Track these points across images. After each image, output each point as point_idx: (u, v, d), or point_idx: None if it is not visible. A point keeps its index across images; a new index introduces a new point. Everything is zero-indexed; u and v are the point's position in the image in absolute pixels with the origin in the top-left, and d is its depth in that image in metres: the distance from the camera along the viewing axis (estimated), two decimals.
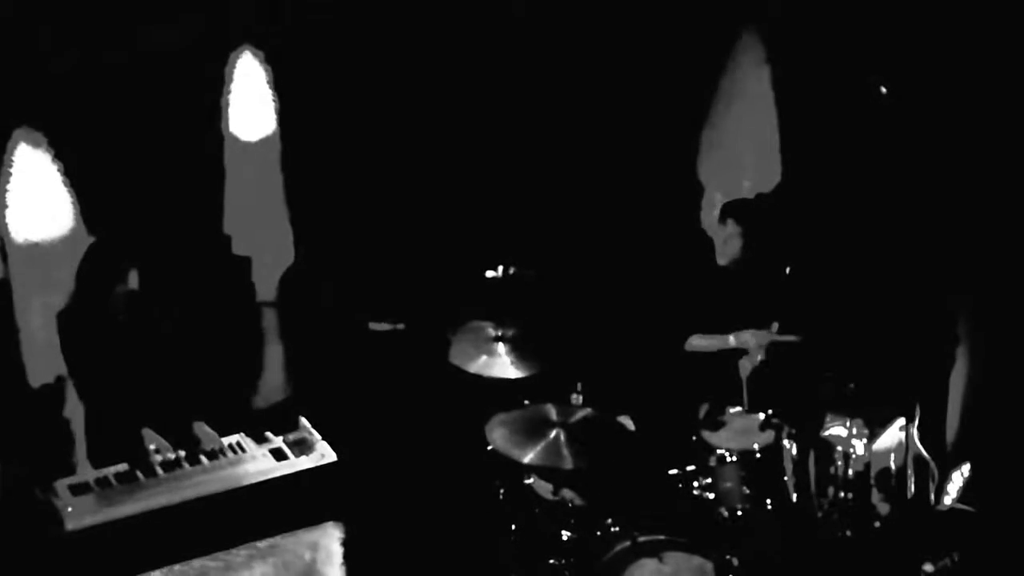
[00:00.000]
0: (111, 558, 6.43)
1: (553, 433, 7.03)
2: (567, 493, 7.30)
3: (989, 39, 7.89)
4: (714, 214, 8.14)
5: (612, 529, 7.20)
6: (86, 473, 6.71)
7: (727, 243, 7.83)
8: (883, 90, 8.07)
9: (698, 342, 7.83)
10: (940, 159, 8.13)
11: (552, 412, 7.17)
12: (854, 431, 7.59)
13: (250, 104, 8.06)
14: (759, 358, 7.73)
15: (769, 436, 7.51)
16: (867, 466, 7.58)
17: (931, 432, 7.80)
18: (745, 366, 7.75)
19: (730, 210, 7.87)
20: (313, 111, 8.19)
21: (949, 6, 8.02)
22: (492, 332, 7.56)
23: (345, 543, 6.90)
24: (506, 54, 8.46)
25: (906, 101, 8.20)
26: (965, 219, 8.06)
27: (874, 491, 7.59)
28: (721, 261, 7.89)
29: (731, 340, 7.76)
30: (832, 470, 7.57)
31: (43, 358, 7.54)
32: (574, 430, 7.04)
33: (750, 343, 7.73)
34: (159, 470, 6.70)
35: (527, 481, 7.40)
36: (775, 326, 7.77)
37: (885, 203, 8.37)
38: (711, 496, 7.48)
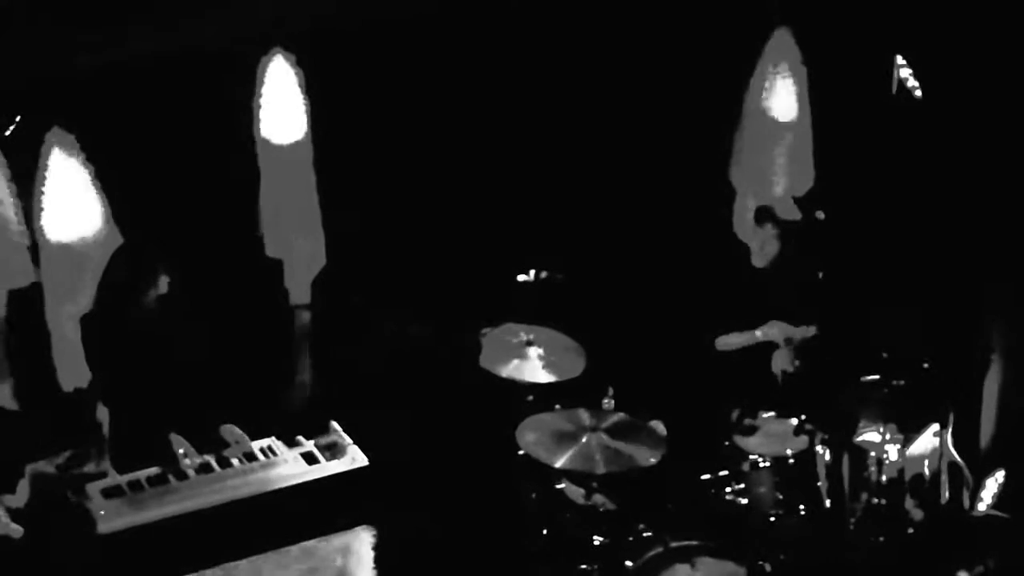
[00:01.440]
0: (143, 562, 6.44)
1: (585, 437, 7.01)
2: (599, 498, 7.28)
3: None
4: (748, 217, 8.10)
5: (644, 534, 7.18)
6: (118, 476, 6.72)
7: (765, 246, 7.79)
8: (918, 93, 8.05)
9: (726, 340, 7.80)
10: (976, 161, 8.09)
11: (584, 416, 7.15)
12: (888, 436, 7.55)
13: (283, 107, 8.07)
14: (791, 357, 7.70)
15: (802, 441, 7.48)
16: (901, 472, 7.54)
17: (965, 438, 7.75)
18: (778, 360, 7.72)
19: (766, 212, 7.83)
20: (345, 115, 8.19)
21: (983, 6, 7.97)
22: (524, 336, 7.55)
23: (376, 547, 6.90)
24: (540, 57, 8.44)
25: (941, 101, 8.17)
26: (1001, 223, 8.01)
27: (908, 497, 7.54)
28: (758, 263, 7.85)
29: (758, 334, 7.74)
30: (866, 476, 7.53)
31: (74, 362, 7.55)
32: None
33: (777, 336, 7.71)
34: (190, 473, 6.70)
35: (559, 486, 7.38)
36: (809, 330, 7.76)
37: (920, 206, 8.33)
38: (744, 501, 7.45)
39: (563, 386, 7.45)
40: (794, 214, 7.83)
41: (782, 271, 7.86)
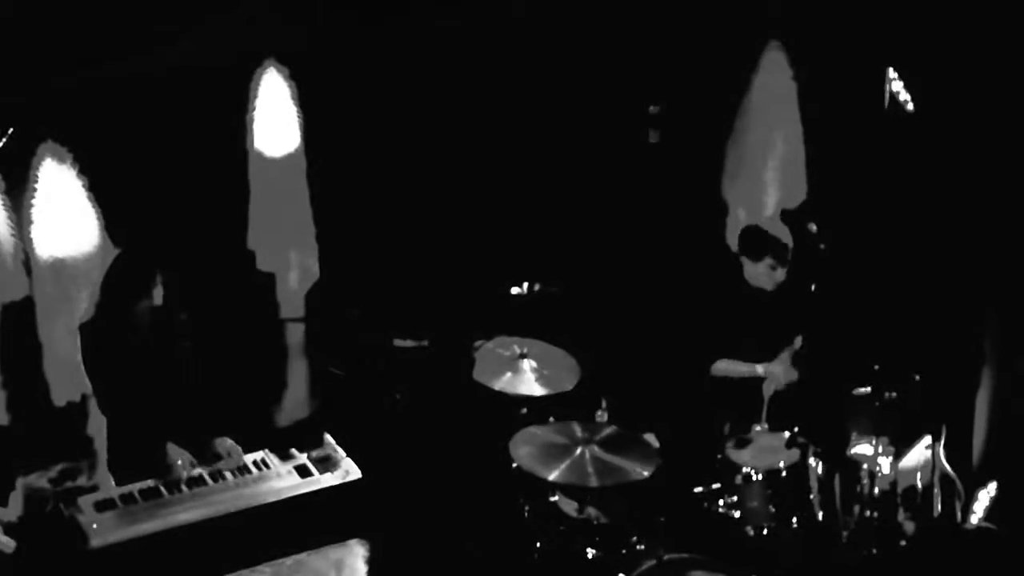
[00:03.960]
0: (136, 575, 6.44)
1: (578, 451, 7.01)
2: (592, 511, 7.28)
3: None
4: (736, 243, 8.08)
5: (638, 547, 7.18)
6: (110, 489, 6.71)
7: (769, 277, 7.77)
8: (910, 106, 8.07)
9: (725, 367, 7.79)
10: (968, 174, 8.11)
11: (577, 429, 7.15)
12: (880, 449, 7.56)
13: (275, 120, 8.07)
14: (785, 382, 7.72)
15: (795, 454, 7.49)
16: (893, 484, 7.54)
17: (957, 450, 7.75)
18: (769, 388, 7.72)
19: (758, 244, 7.78)
20: (338, 128, 8.20)
21: (981, 16, 7.97)
22: (517, 349, 7.55)
23: (370, 560, 6.90)
24: (534, 72, 8.46)
25: (932, 114, 8.19)
26: (993, 236, 8.02)
27: (900, 509, 7.55)
28: (767, 287, 7.81)
29: (759, 370, 7.73)
30: (858, 488, 7.54)
31: (67, 374, 7.55)
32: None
33: (778, 375, 7.71)
34: (184, 487, 6.70)
35: (552, 499, 7.38)
36: (798, 341, 7.76)
37: (911, 218, 8.34)
38: (736, 514, 7.46)
39: (556, 399, 7.45)
40: (784, 233, 7.81)
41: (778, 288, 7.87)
